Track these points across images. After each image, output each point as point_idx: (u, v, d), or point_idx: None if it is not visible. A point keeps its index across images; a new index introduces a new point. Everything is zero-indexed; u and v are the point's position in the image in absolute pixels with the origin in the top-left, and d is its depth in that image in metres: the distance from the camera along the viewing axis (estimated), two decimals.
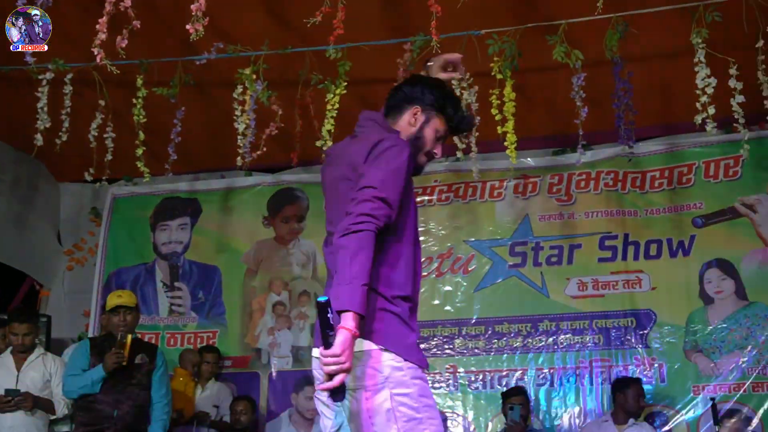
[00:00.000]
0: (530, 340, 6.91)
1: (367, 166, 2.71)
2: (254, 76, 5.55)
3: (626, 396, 6.11)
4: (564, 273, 7.00)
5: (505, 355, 6.93)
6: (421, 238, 4.23)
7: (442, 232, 7.28)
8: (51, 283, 8.09)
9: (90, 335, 7.30)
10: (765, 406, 6.30)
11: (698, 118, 4.87)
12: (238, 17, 5.63)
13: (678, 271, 6.77)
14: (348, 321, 2.43)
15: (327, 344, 2.40)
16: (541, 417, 6.76)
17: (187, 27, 4.21)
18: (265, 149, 5.75)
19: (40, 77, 5.59)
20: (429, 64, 3.37)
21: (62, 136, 5.71)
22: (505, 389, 6.56)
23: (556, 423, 6.74)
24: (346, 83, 5.48)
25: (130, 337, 5.36)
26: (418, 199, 6.54)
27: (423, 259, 4.97)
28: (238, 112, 5.65)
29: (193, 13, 4.21)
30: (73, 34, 5.23)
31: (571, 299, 6.93)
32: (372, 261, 2.53)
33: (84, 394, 5.31)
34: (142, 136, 5.90)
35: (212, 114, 6.67)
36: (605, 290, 6.88)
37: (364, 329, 2.57)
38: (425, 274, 6.97)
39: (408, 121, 3.01)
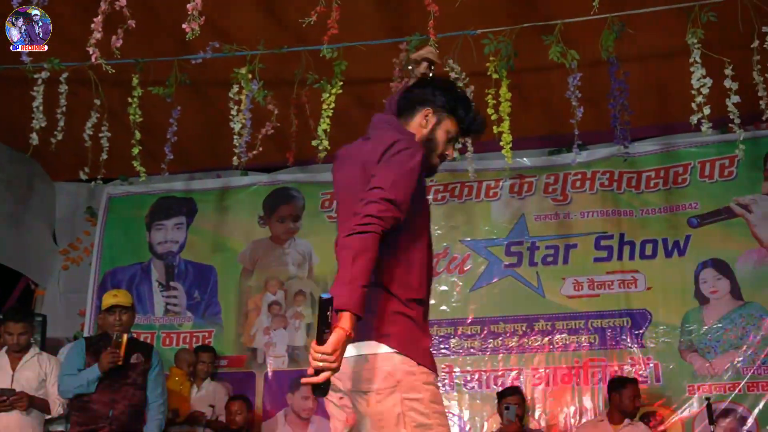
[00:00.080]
0: (526, 340, 6.92)
1: (380, 166, 2.70)
2: (250, 76, 5.55)
3: (622, 396, 6.12)
4: (560, 273, 7.01)
5: (501, 355, 6.94)
6: None
7: (438, 231, 7.28)
8: (46, 283, 8.08)
9: (85, 335, 7.30)
10: (760, 406, 6.32)
11: (694, 119, 4.87)
12: (234, 16, 5.63)
13: (673, 271, 6.79)
14: (345, 321, 2.41)
15: (320, 341, 2.38)
16: (536, 417, 6.77)
17: (184, 26, 4.21)
18: (261, 149, 5.75)
19: (35, 76, 5.58)
20: (409, 67, 3.38)
21: (58, 135, 5.70)
22: (500, 389, 6.56)
23: (551, 423, 6.74)
24: (342, 83, 5.48)
25: (125, 336, 5.34)
26: None
27: None
28: (233, 112, 5.65)
29: (189, 13, 4.21)
30: (68, 33, 5.22)
31: (566, 299, 6.94)
32: (375, 262, 2.52)
33: (79, 394, 5.29)
34: (138, 135, 5.89)
35: (208, 113, 6.67)
36: (601, 290, 6.89)
37: (380, 332, 2.59)
38: None
39: (419, 123, 2.99)
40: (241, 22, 5.70)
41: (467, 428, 6.86)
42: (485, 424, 6.80)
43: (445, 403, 6.81)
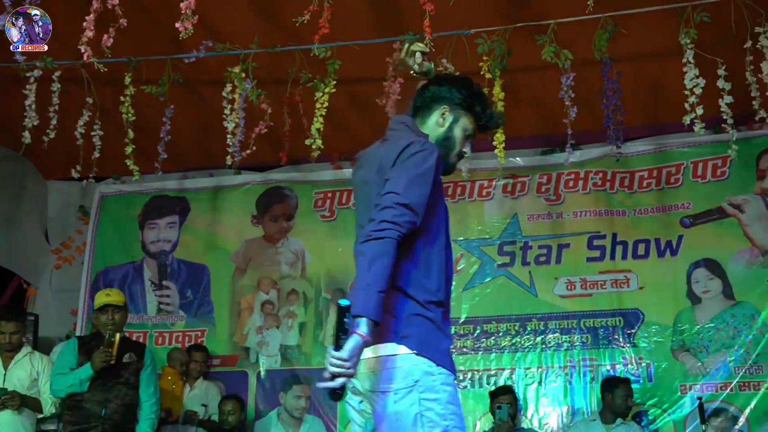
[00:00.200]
0: (518, 340, 6.92)
1: (394, 171, 2.70)
2: (243, 75, 5.55)
3: (614, 395, 6.13)
4: (552, 272, 7.02)
5: (494, 354, 6.95)
6: None
7: None
8: (38, 282, 8.05)
9: (78, 334, 7.28)
10: (751, 405, 6.33)
11: (687, 119, 4.89)
12: (228, 15, 5.63)
13: (666, 271, 6.80)
14: (362, 326, 2.44)
15: (337, 346, 2.41)
16: (529, 416, 6.77)
17: (177, 25, 4.21)
18: (254, 148, 5.74)
19: (28, 75, 5.57)
20: (401, 66, 3.37)
21: (50, 133, 5.68)
22: (493, 388, 6.56)
23: (544, 422, 6.75)
24: (335, 82, 5.48)
25: (118, 335, 5.34)
26: None
27: None
28: (227, 111, 5.64)
29: (182, 12, 4.21)
30: (61, 31, 5.21)
31: (559, 298, 6.95)
32: (392, 268, 2.53)
33: (72, 393, 5.28)
34: (131, 134, 5.89)
35: (201, 112, 6.66)
36: (593, 290, 6.89)
37: (398, 334, 2.59)
38: None
39: (436, 121, 2.99)
40: (235, 21, 5.69)
41: None
42: (478, 423, 6.80)
43: None
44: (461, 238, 7.25)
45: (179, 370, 6.89)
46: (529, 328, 6.93)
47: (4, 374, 5.79)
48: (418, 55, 3.34)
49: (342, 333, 2.42)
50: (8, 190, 7.71)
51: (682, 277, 6.76)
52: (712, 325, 6.59)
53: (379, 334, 2.56)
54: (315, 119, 5.49)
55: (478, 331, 6.99)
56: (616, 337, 6.74)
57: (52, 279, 8.09)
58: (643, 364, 6.65)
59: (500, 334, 6.97)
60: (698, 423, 6.04)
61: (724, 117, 4.97)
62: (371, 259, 2.51)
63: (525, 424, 6.67)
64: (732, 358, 6.45)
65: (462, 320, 7.05)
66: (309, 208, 7.69)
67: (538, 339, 6.89)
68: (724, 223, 6.78)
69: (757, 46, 4.92)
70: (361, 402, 2.76)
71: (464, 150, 3.03)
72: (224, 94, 5.65)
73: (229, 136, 5.66)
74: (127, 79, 5.75)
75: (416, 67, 3.35)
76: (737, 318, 6.55)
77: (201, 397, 6.79)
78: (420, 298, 2.68)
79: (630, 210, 6.99)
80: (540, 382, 6.82)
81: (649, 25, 5.33)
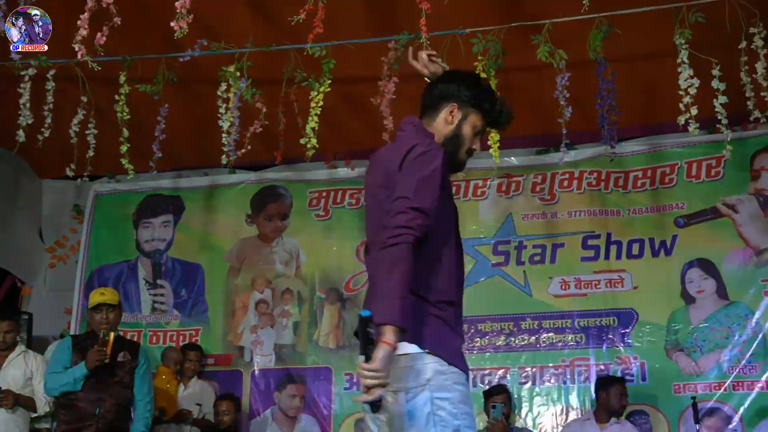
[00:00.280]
0: (513, 339, 6.93)
1: (401, 175, 2.70)
2: (238, 74, 5.54)
3: (609, 395, 6.14)
4: (547, 272, 7.02)
5: (488, 354, 6.95)
6: None
7: None
8: (33, 281, 8.04)
9: (72, 333, 7.27)
10: (745, 405, 6.35)
11: (681, 119, 4.89)
12: (223, 14, 5.62)
13: (660, 271, 6.81)
14: (388, 334, 2.45)
15: (367, 358, 2.43)
16: (523, 415, 6.78)
17: (172, 24, 4.20)
18: (249, 147, 5.73)
19: (22, 73, 5.55)
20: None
21: (45, 132, 5.67)
22: (487, 387, 6.57)
23: (538, 421, 6.76)
24: (330, 81, 5.48)
25: (112, 334, 5.32)
26: None
27: None
28: (222, 110, 5.63)
29: (177, 11, 4.20)
30: (56, 30, 5.19)
31: (553, 298, 6.96)
32: (412, 273, 2.53)
33: (66, 392, 5.27)
34: (126, 132, 5.88)
35: (196, 111, 6.65)
36: (587, 289, 6.90)
37: (411, 333, 2.58)
38: None
39: (445, 119, 2.97)
40: (230, 20, 5.69)
41: None
42: None
43: None
44: None
45: (173, 369, 6.88)
46: (523, 328, 6.94)
47: None
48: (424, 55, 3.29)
49: (369, 344, 2.44)
50: (2, 189, 7.69)
51: (676, 276, 6.77)
52: (706, 324, 6.61)
53: None
54: (310, 118, 5.49)
55: (472, 331, 6.99)
56: (611, 336, 6.75)
57: (46, 278, 8.08)
58: (637, 364, 6.66)
59: (494, 333, 6.98)
60: (692, 422, 6.05)
61: (719, 117, 4.97)
62: (390, 267, 2.52)
63: (519, 424, 6.68)
64: (726, 358, 6.47)
65: None
66: (304, 208, 7.68)
67: (533, 338, 6.90)
68: (718, 223, 6.79)
69: (752, 46, 4.93)
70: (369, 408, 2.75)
71: (474, 147, 3.01)
72: (219, 93, 5.64)
73: (224, 135, 5.66)
74: (122, 78, 5.74)
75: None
76: (731, 318, 6.56)
77: (195, 396, 6.78)
78: (431, 298, 2.70)
79: (624, 210, 7.00)
80: (534, 382, 6.83)
81: (644, 25, 5.33)
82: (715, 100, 4.93)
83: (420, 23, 4.58)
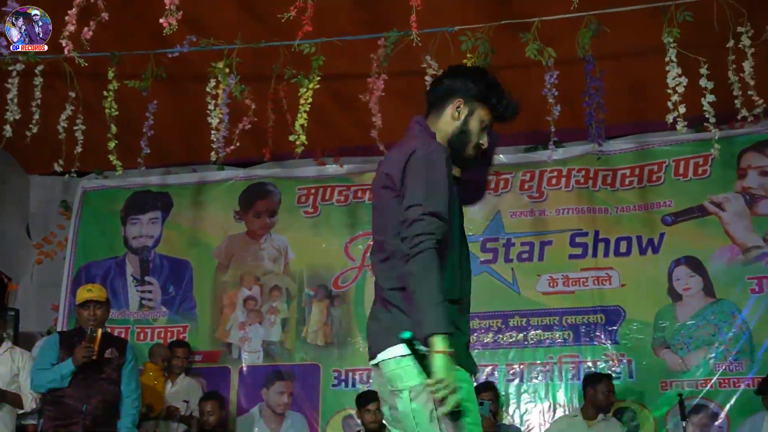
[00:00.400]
0: (501, 336, 6.94)
1: (407, 182, 2.69)
2: (227, 70, 5.53)
3: (596, 391, 6.16)
4: (535, 269, 7.04)
5: (476, 351, 6.95)
6: None
7: None
8: (19, 277, 8.01)
9: (59, 329, 7.25)
10: (731, 402, 6.37)
11: (669, 117, 4.91)
12: (212, 10, 5.61)
13: (647, 268, 6.83)
14: (438, 344, 2.48)
15: (427, 374, 2.49)
16: (510, 412, 6.80)
17: (161, 21, 4.19)
18: (238, 144, 5.72)
19: (10, 68, 5.53)
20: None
21: (32, 128, 5.65)
22: (475, 384, 6.56)
23: (525, 418, 6.78)
24: (319, 78, 5.47)
25: (100, 331, 5.31)
26: None
27: None
28: (211, 106, 5.62)
29: (167, 7, 4.19)
30: None
31: (541, 295, 6.97)
32: (441, 276, 2.55)
33: (53, 389, 5.25)
34: (114, 129, 5.86)
35: (184, 107, 6.63)
36: (575, 287, 6.92)
37: (415, 334, 2.59)
38: None
39: (451, 115, 2.95)
40: (219, 16, 5.68)
41: None
42: None
43: None
44: None
45: (161, 365, 6.87)
46: (511, 325, 6.96)
47: None
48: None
49: (424, 360, 2.50)
50: None
51: (664, 274, 6.79)
52: (693, 322, 6.63)
53: (395, 335, 2.61)
54: (299, 115, 5.48)
55: None
56: (598, 334, 6.77)
57: (33, 274, 8.06)
58: (625, 361, 6.69)
59: (482, 330, 6.99)
60: (679, 419, 6.08)
61: (707, 116, 5.00)
62: (420, 278, 2.54)
63: (506, 421, 6.70)
64: (712, 355, 6.50)
65: None
66: (292, 204, 7.68)
67: (520, 336, 6.92)
68: (706, 221, 6.82)
69: (740, 45, 4.95)
70: (392, 410, 2.76)
71: (481, 142, 2.99)
72: (208, 89, 5.62)
73: (212, 131, 5.64)
74: (110, 74, 5.73)
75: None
76: (718, 315, 6.59)
77: (183, 393, 6.77)
78: None
79: (612, 208, 7.02)
80: (522, 379, 6.85)
81: (632, 23, 5.35)
82: (702, 98, 4.95)
83: (411, 19, 4.58)
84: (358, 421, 6.50)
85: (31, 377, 5.47)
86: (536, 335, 6.89)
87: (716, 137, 5.15)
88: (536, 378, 6.83)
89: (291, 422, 7.11)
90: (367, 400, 6.20)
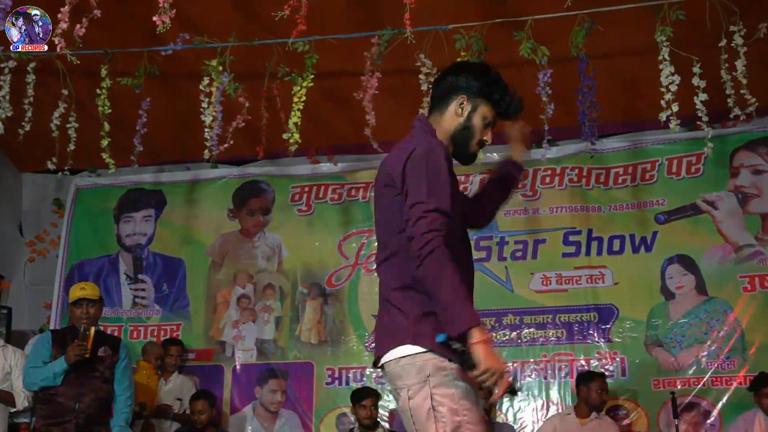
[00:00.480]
0: (494, 334, 6.94)
1: (408, 182, 2.70)
2: (221, 68, 5.52)
3: (589, 389, 6.16)
4: (528, 267, 7.05)
5: None
6: None
7: None
8: (12, 275, 7.98)
9: (52, 327, 7.23)
10: (723, 400, 6.39)
11: (662, 116, 4.92)
12: (205, 8, 5.60)
13: (640, 267, 6.85)
14: (474, 337, 2.49)
15: (470, 368, 2.49)
16: (504, 410, 6.81)
17: (155, 19, 4.18)
18: (231, 142, 5.72)
19: (2, 66, 5.52)
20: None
21: (25, 125, 5.64)
22: None
23: (518, 416, 6.79)
24: (313, 76, 5.47)
25: (93, 329, 5.30)
26: None
27: None
28: (204, 104, 5.61)
29: (160, 5, 4.18)
30: None
31: (535, 294, 6.98)
32: (458, 272, 2.56)
33: (45, 387, 5.24)
34: (107, 126, 5.85)
35: (178, 105, 6.62)
36: (568, 285, 6.93)
37: (413, 334, 2.63)
38: None
39: (454, 112, 2.95)
40: (212, 14, 5.67)
41: None
42: None
43: None
44: None
45: (154, 364, 6.87)
46: (504, 323, 6.96)
47: None
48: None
49: (464, 358, 2.51)
50: None
51: (656, 272, 6.81)
52: (686, 320, 6.65)
53: (394, 337, 2.64)
54: (292, 113, 5.48)
55: None
56: (591, 332, 6.78)
57: (25, 272, 8.04)
58: (617, 359, 6.70)
59: None
60: (671, 417, 6.09)
61: (699, 114, 5.01)
62: (437, 276, 2.54)
63: (500, 419, 6.70)
64: (704, 354, 6.51)
65: None
66: (286, 202, 7.67)
67: (514, 334, 6.92)
68: (698, 220, 6.84)
69: (732, 44, 4.96)
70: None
71: (485, 139, 3.00)
72: (201, 87, 5.61)
73: (206, 129, 5.64)
74: (104, 72, 5.72)
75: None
76: (710, 314, 6.61)
77: (176, 391, 6.77)
78: None
79: (605, 206, 7.03)
80: (515, 377, 6.85)
81: (626, 22, 5.36)
82: (695, 97, 4.96)
83: (405, 18, 4.58)
84: (352, 418, 6.51)
85: (24, 375, 5.46)
86: (530, 333, 6.90)
87: (709, 136, 5.16)
88: (530, 376, 6.84)
89: (284, 420, 7.10)
90: (362, 395, 6.22)
